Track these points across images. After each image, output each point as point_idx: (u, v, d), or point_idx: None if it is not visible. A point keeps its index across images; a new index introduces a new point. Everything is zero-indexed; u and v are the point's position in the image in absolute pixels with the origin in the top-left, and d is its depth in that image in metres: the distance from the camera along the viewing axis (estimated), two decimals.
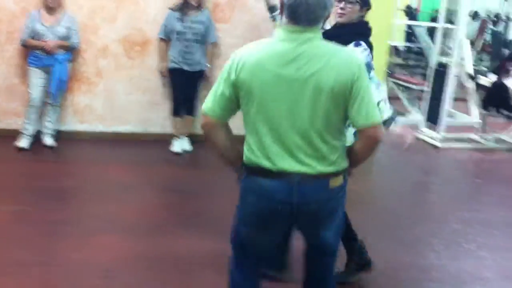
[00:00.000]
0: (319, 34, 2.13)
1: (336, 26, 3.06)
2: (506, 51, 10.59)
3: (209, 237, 3.79)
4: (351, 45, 2.89)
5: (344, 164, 2.21)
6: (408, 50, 12.39)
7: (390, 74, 8.80)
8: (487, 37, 14.04)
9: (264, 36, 5.95)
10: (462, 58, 7.51)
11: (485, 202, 5.15)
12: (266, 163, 2.13)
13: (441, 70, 7.13)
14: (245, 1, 6.01)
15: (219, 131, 2.22)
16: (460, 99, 8.64)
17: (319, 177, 2.13)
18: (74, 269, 3.29)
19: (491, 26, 13.07)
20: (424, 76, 8.60)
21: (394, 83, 8.85)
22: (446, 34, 8.70)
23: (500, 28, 12.57)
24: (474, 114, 7.87)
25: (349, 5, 2.96)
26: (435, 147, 6.86)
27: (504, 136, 7.44)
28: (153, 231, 3.92)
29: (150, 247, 3.64)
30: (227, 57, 2.20)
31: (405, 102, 8.62)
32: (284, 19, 2.12)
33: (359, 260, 3.32)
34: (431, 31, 9.82)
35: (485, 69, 9.25)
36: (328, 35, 2.92)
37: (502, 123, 8.16)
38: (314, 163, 2.12)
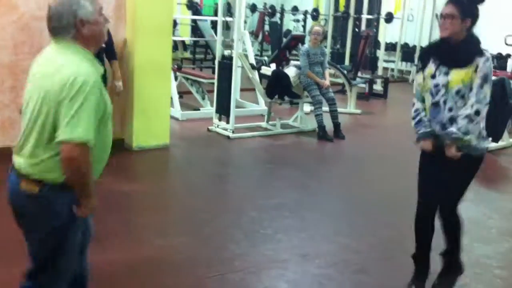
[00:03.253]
0: (66, 44, 2.20)
1: (448, 43, 3.12)
2: (284, 41, 11.26)
3: None
4: (477, 58, 3.05)
5: (46, 176, 2.18)
6: (195, 44, 12.58)
7: (179, 69, 8.81)
8: (266, 28, 14.87)
9: (35, 36, 5.54)
10: (244, 50, 7.80)
11: (277, 186, 5.38)
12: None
13: (226, 62, 7.30)
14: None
15: None
16: (248, 89, 8.99)
17: (17, 173, 2.24)
18: None
19: (269, 18, 13.83)
20: (214, 69, 8.76)
21: (184, 77, 8.88)
22: (229, 27, 8.97)
23: (276, 19, 13.37)
24: (262, 103, 8.22)
25: (448, 20, 3.07)
26: (228, 138, 7.02)
27: (289, 121, 7.90)
28: None
29: None
30: None
31: (197, 96, 8.71)
32: None
33: (455, 268, 3.44)
34: (216, 25, 10.09)
35: (267, 58, 9.75)
36: (449, 52, 3.14)
37: (288, 108, 8.69)
38: (20, 159, 2.23)
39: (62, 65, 2.14)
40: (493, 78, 3.38)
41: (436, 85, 3.14)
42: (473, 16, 3.10)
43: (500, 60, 11.35)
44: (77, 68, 2.13)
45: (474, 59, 3.07)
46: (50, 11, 2.20)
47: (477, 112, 3.04)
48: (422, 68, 3.25)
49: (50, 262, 2.32)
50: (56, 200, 2.21)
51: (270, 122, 7.69)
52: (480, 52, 3.08)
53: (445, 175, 3.20)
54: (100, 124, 2.20)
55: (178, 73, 8.81)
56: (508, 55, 11.51)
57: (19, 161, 2.23)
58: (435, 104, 3.17)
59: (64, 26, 2.18)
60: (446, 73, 3.12)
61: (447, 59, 3.16)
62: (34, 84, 2.22)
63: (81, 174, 2.14)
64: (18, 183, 2.22)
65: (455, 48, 3.13)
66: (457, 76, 3.09)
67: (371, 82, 11.05)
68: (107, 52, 5.54)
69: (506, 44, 10.04)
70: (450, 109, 3.12)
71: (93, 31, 2.22)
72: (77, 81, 2.08)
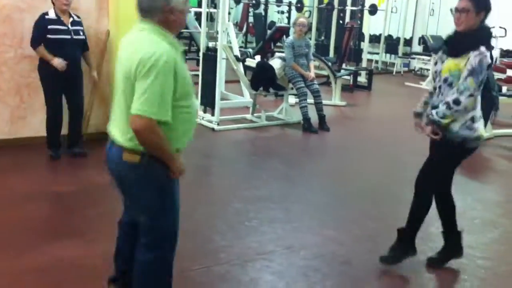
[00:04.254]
0: (151, 25, 2.37)
1: (458, 34, 3.25)
2: (268, 32, 11.20)
3: None
4: (471, 52, 3.13)
5: (141, 148, 2.39)
6: (179, 36, 12.49)
7: None
8: (251, 19, 14.82)
9: (17, 28, 5.46)
10: (228, 41, 7.76)
11: (262, 178, 5.37)
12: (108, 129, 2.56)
13: (210, 54, 7.27)
14: None
15: None
16: (233, 81, 8.97)
17: (118, 146, 2.45)
18: None
19: (254, 10, 13.74)
20: (198, 61, 8.70)
21: None
22: (213, 18, 8.92)
23: (260, 10, 13.31)
24: (247, 95, 8.20)
25: (463, 14, 3.17)
26: (213, 130, 7.00)
27: (274, 114, 7.89)
28: None
29: None
30: None
31: None
32: None
33: (455, 248, 3.66)
34: (201, 16, 10.02)
35: (251, 50, 9.72)
36: (453, 42, 3.31)
37: (273, 101, 8.68)
38: (119, 133, 2.46)
39: (142, 45, 2.32)
40: None
41: (436, 71, 3.38)
42: (487, 9, 3.20)
43: None
44: (155, 47, 2.29)
45: (468, 52, 3.18)
46: None
47: (456, 101, 3.18)
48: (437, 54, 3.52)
49: (153, 222, 2.56)
50: (153, 166, 2.42)
51: (255, 114, 7.68)
52: (476, 46, 3.16)
53: (431, 154, 3.48)
54: (180, 99, 2.36)
55: None
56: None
57: (117, 134, 2.47)
58: (434, 89, 3.41)
59: (154, 11, 2.36)
60: (443, 61, 3.33)
61: (449, 48, 3.34)
62: (120, 67, 2.42)
63: (151, 145, 2.34)
64: (120, 155, 2.44)
65: (458, 39, 3.27)
66: (447, 65, 3.28)
67: (355, 74, 11.08)
68: (85, 43, 5.45)
69: None
70: (441, 94, 3.32)
71: (178, 18, 2.41)
72: (152, 59, 2.24)
